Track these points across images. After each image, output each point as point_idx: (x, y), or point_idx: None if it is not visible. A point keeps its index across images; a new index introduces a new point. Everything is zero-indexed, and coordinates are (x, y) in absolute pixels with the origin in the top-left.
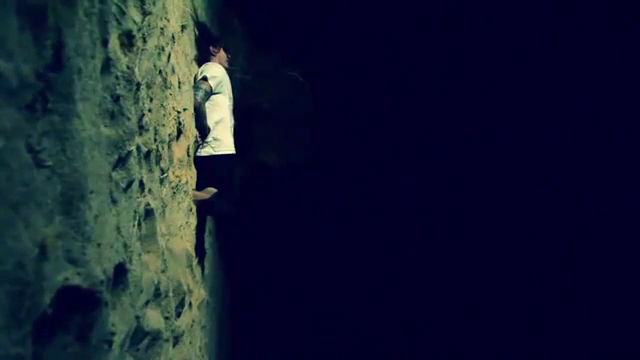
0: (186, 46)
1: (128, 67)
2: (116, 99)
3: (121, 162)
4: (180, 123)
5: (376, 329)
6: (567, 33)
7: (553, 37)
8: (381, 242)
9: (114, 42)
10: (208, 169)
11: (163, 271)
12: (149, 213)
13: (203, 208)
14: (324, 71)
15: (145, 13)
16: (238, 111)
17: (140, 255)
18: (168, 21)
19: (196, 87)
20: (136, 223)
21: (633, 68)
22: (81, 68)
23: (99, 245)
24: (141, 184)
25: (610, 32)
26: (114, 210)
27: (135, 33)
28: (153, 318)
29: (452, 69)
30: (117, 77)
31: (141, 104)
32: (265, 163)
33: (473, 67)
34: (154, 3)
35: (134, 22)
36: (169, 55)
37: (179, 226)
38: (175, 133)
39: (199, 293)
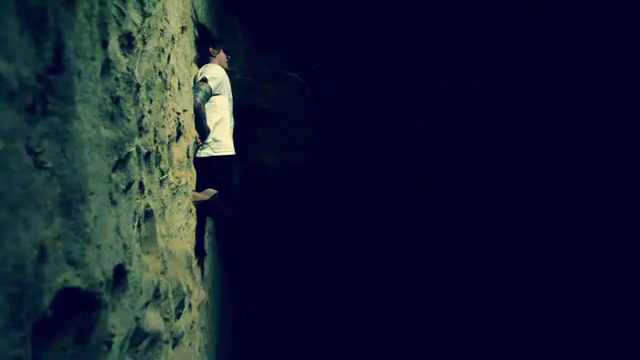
0: (186, 47)
1: (128, 69)
2: (116, 100)
3: (121, 163)
4: (180, 124)
5: (376, 330)
6: (566, 33)
7: (554, 37)
8: (381, 242)
9: (114, 44)
10: (208, 170)
11: (163, 272)
12: (149, 214)
13: (203, 209)
14: (324, 72)
15: (145, 14)
16: (238, 112)
17: (140, 256)
18: (168, 22)
19: (196, 88)
20: (136, 224)
21: (633, 68)
22: (81, 70)
23: (99, 247)
24: (141, 185)
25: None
26: (114, 211)
27: (135, 35)
28: (153, 319)
29: (453, 69)
30: (117, 79)
31: (141, 105)
32: (265, 164)
33: (475, 67)
34: (154, 4)
35: (134, 24)
36: (169, 56)
37: (179, 227)
38: (175, 134)
39: (199, 294)
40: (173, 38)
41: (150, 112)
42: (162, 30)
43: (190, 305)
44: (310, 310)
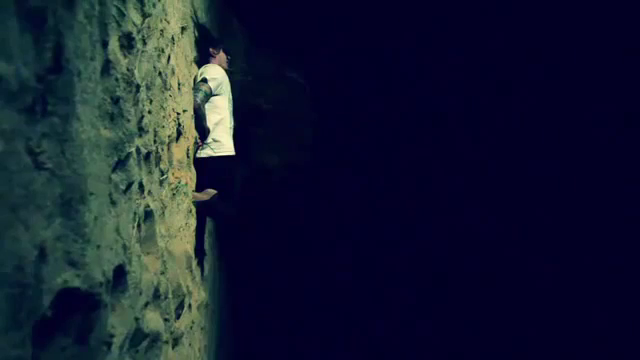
0: (186, 48)
1: (128, 69)
2: (116, 101)
3: (121, 164)
4: (180, 125)
5: (376, 330)
6: (566, 33)
7: (553, 37)
8: (381, 243)
9: (114, 44)
10: (208, 170)
11: (163, 273)
12: (149, 215)
13: (203, 209)
14: (324, 72)
15: (145, 15)
16: (238, 112)
17: (140, 257)
18: (168, 23)
19: (196, 89)
20: (136, 225)
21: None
22: (81, 70)
23: (98, 247)
24: (141, 186)
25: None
26: (114, 212)
27: (135, 35)
28: (152, 320)
29: (453, 69)
30: (117, 79)
31: (141, 106)
32: (265, 164)
33: (475, 67)
34: (154, 5)
35: (134, 24)
36: (169, 57)
37: (179, 228)
38: (175, 134)
39: (199, 295)
40: (173, 38)
41: (150, 112)
42: (162, 30)
43: (190, 305)
44: (311, 310)
